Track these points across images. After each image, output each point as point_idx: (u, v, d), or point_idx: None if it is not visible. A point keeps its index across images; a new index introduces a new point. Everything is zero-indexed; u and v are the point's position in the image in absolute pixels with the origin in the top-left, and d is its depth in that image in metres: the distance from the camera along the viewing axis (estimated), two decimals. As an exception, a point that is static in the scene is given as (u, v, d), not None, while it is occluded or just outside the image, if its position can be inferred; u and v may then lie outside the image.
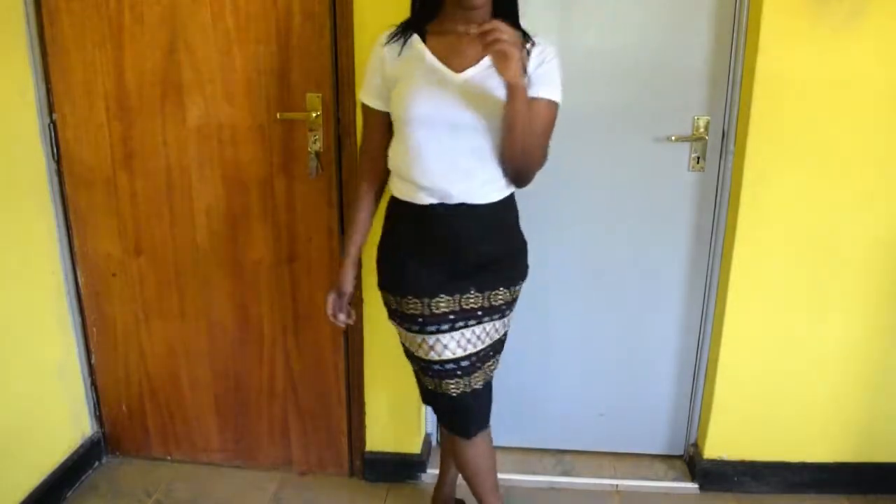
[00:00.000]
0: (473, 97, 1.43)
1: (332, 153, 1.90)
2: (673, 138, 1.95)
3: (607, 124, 1.96)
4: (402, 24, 1.52)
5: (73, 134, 1.98)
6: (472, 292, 1.52)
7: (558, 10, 1.89)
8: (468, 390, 1.57)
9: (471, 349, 1.55)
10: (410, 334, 1.55)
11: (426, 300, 1.51)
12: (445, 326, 1.52)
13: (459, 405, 1.59)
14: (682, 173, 1.99)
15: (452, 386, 1.56)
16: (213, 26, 1.84)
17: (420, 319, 1.52)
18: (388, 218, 1.60)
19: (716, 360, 2.04)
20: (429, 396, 1.65)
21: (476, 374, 1.58)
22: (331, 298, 1.65)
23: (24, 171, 1.92)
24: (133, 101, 1.93)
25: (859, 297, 1.95)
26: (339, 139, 1.90)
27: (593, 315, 2.12)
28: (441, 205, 1.47)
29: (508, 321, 1.64)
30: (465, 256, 1.51)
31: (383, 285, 1.58)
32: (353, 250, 1.64)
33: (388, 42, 1.50)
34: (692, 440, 2.20)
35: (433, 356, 1.54)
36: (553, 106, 1.47)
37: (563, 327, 2.14)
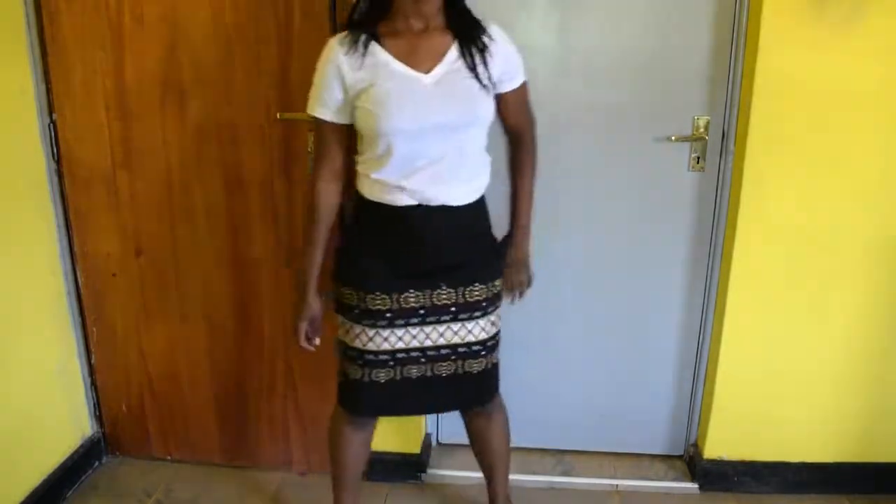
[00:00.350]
0: (448, 96, 1.42)
1: (332, 153, 1.90)
2: (673, 138, 1.95)
3: (607, 124, 1.96)
4: (350, 28, 1.44)
5: (73, 134, 1.98)
6: (444, 288, 1.51)
7: (558, 9, 1.89)
8: (427, 375, 1.59)
9: (442, 342, 1.56)
10: (374, 329, 1.53)
11: (395, 295, 1.50)
12: (415, 320, 1.53)
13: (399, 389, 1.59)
14: (682, 173, 1.99)
15: (414, 370, 1.58)
16: (213, 26, 1.84)
17: (388, 314, 1.51)
18: (353, 217, 1.56)
19: (716, 360, 2.04)
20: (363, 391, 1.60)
21: (443, 364, 1.59)
22: (303, 327, 1.61)
23: (24, 171, 1.92)
24: (133, 101, 1.93)
25: (859, 297, 1.95)
26: (339, 139, 1.90)
27: (593, 315, 2.12)
28: (420, 206, 1.45)
29: (497, 320, 1.64)
30: (438, 255, 1.50)
31: (346, 281, 1.54)
32: (315, 274, 1.58)
33: (345, 51, 1.41)
34: (692, 440, 2.20)
35: (400, 345, 1.54)
36: (525, 85, 1.55)
37: (563, 327, 2.14)
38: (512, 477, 2.14)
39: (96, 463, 2.23)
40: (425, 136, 1.42)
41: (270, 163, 1.94)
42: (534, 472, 2.18)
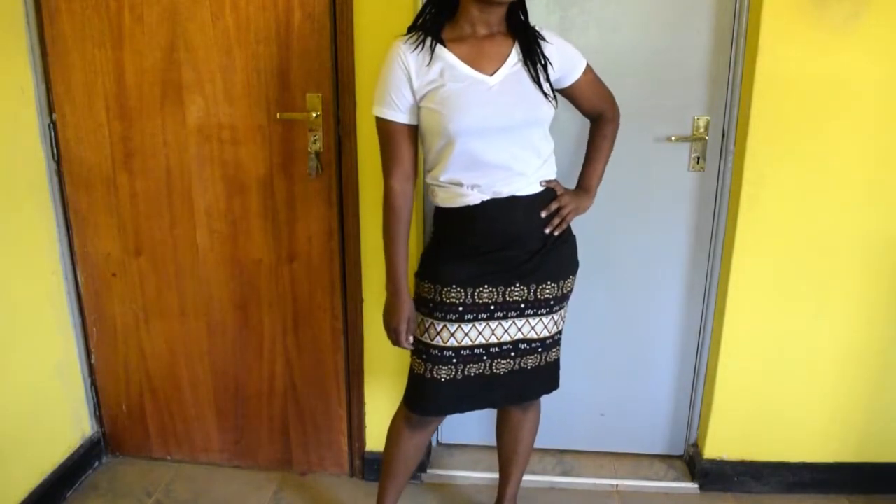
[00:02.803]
0: (514, 96, 1.45)
1: (332, 153, 1.90)
2: (673, 138, 1.95)
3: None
4: (417, 32, 1.46)
5: (73, 134, 1.98)
6: (518, 286, 1.54)
7: (559, 9, 1.89)
8: (487, 372, 1.61)
9: (507, 338, 1.59)
10: (442, 323, 1.54)
11: (469, 290, 1.52)
12: (483, 315, 1.55)
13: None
14: (682, 173, 1.99)
15: (473, 369, 1.59)
16: (213, 26, 1.84)
17: (460, 308, 1.53)
18: (435, 227, 1.60)
19: (716, 360, 2.04)
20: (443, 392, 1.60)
21: (502, 362, 1.61)
22: (403, 328, 1.58)
23: (24, 171, 1.92)
24: (133, 101, 1.93)
25: (859, 297, 1.95)
26: (339, 139, 1.90)
27: (593, 314, 2.12)
28: (492, 201, 1.48)
29: (560, 319, 1.66)
30: (515, 248, 1.52)
31: (425, 276, 1.56)
32: (405, 272, 1.57)
33: (412, 53, 1.44)
34: (692, 440, 2.20)
35: (466, 342, 1.56)
36: (589, 67, 1.60)
37: (563, 327, 2.14)
38: (512, 477, 2.15)
39: (96, 463, 2.23)
40: (490, 135, 1.45)
41: (270, 163, 1.94)
42: (534, 472, 2.18)
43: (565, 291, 1.62)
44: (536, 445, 2.26)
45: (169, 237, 2.03)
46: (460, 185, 1.48)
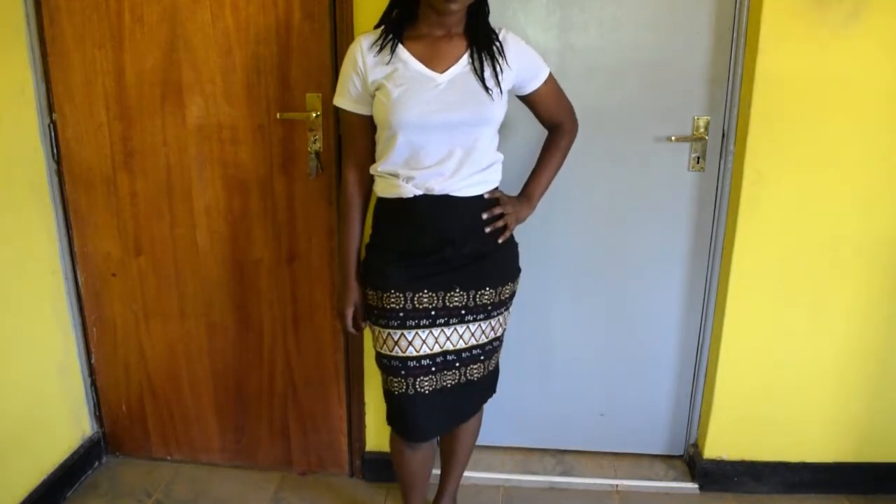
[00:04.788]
0: (460, 95, 1.48)
1: (332, 153, 1.90)
2: (673, 138, 1.95)
3: (607, 124, 1.96)
4: (381, 30, 1.53)
5: (73, 134, 1.98)
6: (458, 291, 1.55)
7: (559, 9, 1.89)
8: (438, 387, 1.61)
9: (449, 346, 1.59)
10: (387, 331, 1.56)
11: (409, 294, 1.53)
12: (425, 322, 1.55)
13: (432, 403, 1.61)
14: (682, 173, 1.99)
15: (426, 383, 1.59)
16: (213, 26, 1.84)
17: (401, 314, 1.54)
18: (374, 219, 1.62)
19: (716, 360, 2.04)
20: (399, 404, 1.62)
21: (448, 373, 1.61)
22: (350, 312, 1.63)
23: (24, 171, 1.92)
24: (133, 101, 1.93)
25: (859, 297, 1.95)
26: (339, 139, 1.89)
27: (593, 315, 2.12)
28: (424, 196, 1.50)
29: (498, 325, 1.65)
30: (449, 251, 1.53)
31: (368, 282, 1.59)
32: (354, 259, 1.63)
33: (370, 48, 1.50)
34: (692, 440, 2.20)
35: (410, 352, 1.56)
36: (551, 77, 1.62)
37: (563, 327, 2.14)
38: (512, 477, 2.16)
39: (96, 463, 2.23)
40: (431, 131, 1.48)
41: (270, 163, 1.94)
42: (534, 472, 2.18)
43: (503, 297, 1.62)
44: (536, 445, 2.27)
45: (169, 237, 2.03)
46: (396, 176, 1.51)
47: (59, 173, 2.01)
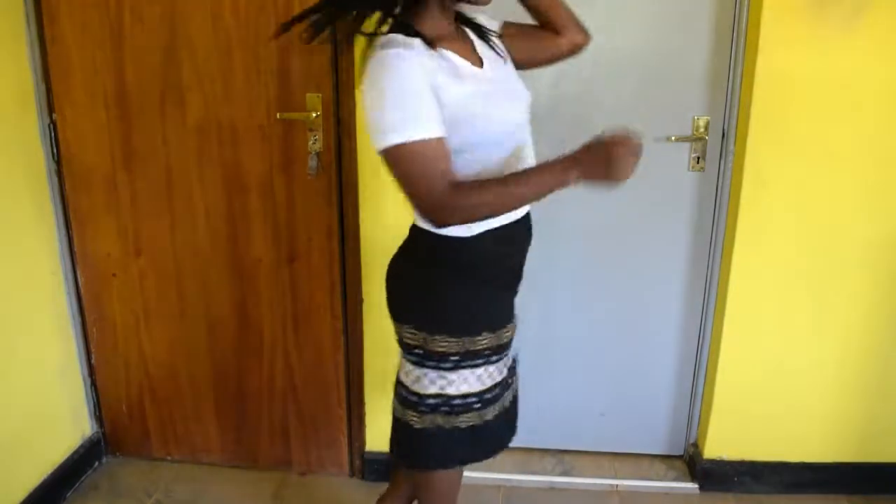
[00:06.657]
0: (509, 79, 1.35)
1: (332, 153, 1.90)
2: (673, 138, 1.95)
3: (607, 124, 1.95)
4: (407, 37, 1.18)
5: (73, 134, 1.98)
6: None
7: (558, 10, 1.89)
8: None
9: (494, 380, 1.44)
10: (496, 366, 1.40)
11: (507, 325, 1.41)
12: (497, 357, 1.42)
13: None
14: (682, 173, 1.99)
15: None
16: (213, 26, 1.84)
17: (487, 351, 1.39)
18: (455, 261, 1.31)
19: (716, 360, 2.04)
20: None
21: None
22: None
23: (24, 172, 1.92)
24: (133, 101, 1.93)
25: (859, 297, 1.95)
26: (340, 139, 1.90)
27: (593, 315, 2.12)
28: (525, 215, 1.38)
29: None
30: (519, 258, 1.41)
31: (473, 329, 1.33)
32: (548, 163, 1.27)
33: (422, 58, 1.17)
34: (692, 440, 2.20)
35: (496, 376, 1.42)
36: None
37: (563, 327, 2.14)
38: (512, 477, 2.16)
39: (96, 463, 2.23)
40: (525, 127, 1.35)
41: (270, 163, 1.94)
42: (534, 472, 2.18)
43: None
44: (536, 445, 2.27)
45: (169, 237, 2.03)
46: None
47: (59, 173, 2.01)
